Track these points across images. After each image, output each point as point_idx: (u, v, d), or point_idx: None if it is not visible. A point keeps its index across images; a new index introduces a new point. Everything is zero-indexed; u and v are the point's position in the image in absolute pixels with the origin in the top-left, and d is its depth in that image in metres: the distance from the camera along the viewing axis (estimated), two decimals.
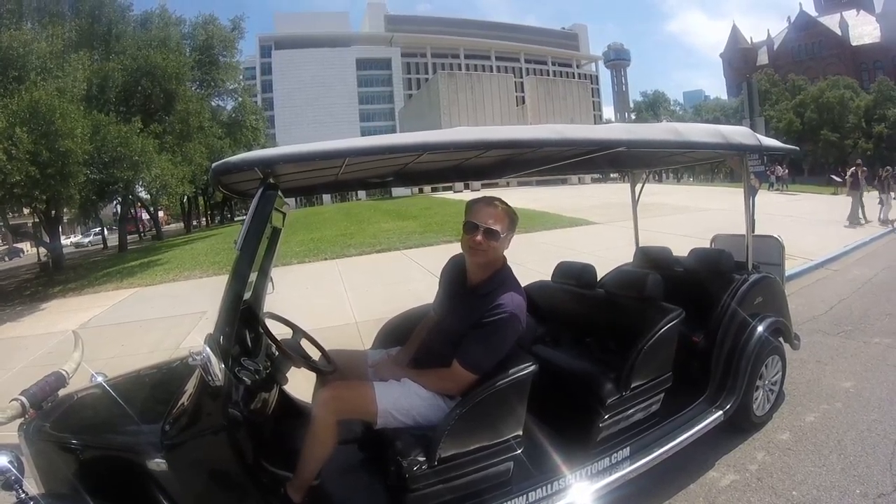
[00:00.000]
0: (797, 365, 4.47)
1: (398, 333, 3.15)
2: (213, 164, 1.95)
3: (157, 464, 2.01)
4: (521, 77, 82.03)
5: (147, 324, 8.46)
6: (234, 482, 2.12)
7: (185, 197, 32.96)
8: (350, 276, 10.71)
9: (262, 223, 2.08)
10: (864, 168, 16.50)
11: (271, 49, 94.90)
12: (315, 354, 2.66)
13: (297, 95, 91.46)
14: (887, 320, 5.77)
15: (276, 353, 2.55)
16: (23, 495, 1.96)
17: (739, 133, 3.39)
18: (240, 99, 33.78)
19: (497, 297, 2.32)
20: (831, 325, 5.72)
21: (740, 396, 3.30)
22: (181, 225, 46.45)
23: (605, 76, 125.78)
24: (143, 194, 30.38)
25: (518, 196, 21.39)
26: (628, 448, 2.79)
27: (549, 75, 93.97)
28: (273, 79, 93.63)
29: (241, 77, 33.70)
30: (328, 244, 15.13)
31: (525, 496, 2.44)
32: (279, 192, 2.19)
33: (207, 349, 1.92)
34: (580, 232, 14.52)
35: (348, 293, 9.11)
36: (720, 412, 3.20)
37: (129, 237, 31.52)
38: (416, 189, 39.35)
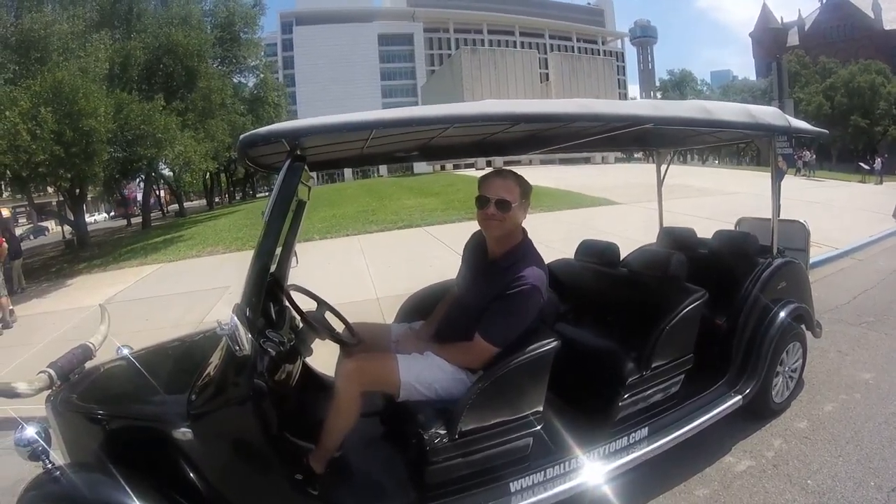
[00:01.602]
0: (818, 353, 4.40)
1: (421, 308, 3.17)
2: (241, 137, 1.97)
3: (183, 433, 2.05)
4: (546, 53, 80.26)
5: (171, 298, 8.64)
6: (257, 452, 2.16)
7: (208, 174, 33.22)
8: (372, 252, 10.76)
9: (290, 195, 2.11)
10: None
11: (293, 25, 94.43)
12: (339, 327, 2.68)
13: (319, 71, 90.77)
14: None
15: (301, 325, 2.58)
16: (49, 465, 2.01)
17: (769, 113, 3.33)
18: (261, 75, 33.60)
19: (518, 270, 2.32)
20: (853, 316, 5.60)
21: (760, 381, 3.27)
22: (203, 202, 46.90)
23: (630, 54, 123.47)
24: (167, 171, 30.75)
25: (541, 174, 21.21)
26: (646, 428, 2.80)
27: (573, 52, 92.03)
28: (294, 55, 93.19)
29: (262, 53, 33.48)
30: (350, 220, 15.16)
31: (543, 472, 2.45)
32: (305, 165, 2.20)
33: (235, 318, 1.95)
34: (603, 211, 14.38)
35: (370, 269, 9.16)
36: (739, 397, 3.18)
37: (150, 214, 31.82)
38: (437, 166, 39.16)
